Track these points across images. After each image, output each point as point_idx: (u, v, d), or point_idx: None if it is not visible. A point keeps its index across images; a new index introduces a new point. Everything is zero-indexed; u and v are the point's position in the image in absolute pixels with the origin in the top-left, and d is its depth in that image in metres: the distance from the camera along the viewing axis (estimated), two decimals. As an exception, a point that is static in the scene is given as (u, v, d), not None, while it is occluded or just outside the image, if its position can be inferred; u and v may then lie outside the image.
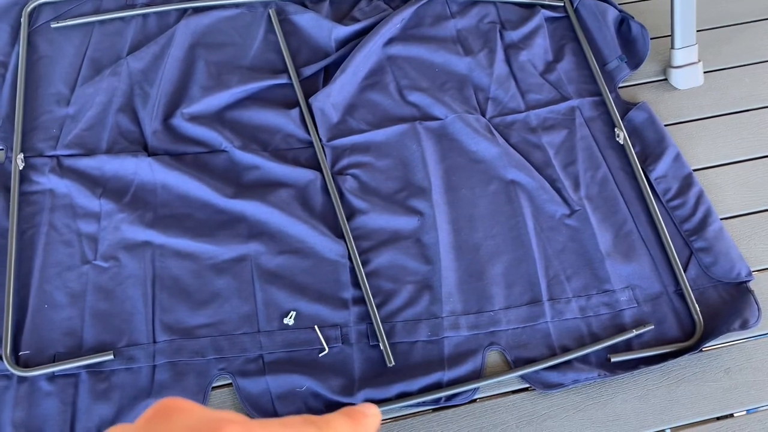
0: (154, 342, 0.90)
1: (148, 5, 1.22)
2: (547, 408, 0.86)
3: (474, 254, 0.97)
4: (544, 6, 1.23)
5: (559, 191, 1.02)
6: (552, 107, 1.12)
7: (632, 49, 1.18)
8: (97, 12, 1.21)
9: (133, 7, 1.22)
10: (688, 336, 0.92)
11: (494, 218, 1.00)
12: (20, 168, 1.02)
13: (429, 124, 1.08)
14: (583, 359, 0.89)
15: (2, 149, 1.07)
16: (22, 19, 1.18)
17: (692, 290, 0.94)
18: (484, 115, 1.10)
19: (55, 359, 0.88)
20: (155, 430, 0.22)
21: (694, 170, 1.06)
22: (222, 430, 0.22)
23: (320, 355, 0.89)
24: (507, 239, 0.99)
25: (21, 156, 1.03)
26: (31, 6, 1.20)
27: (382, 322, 0.91)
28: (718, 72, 1.19)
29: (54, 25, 1.18)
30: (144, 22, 1.20)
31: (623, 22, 1.20)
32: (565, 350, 0.90)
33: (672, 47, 1.15)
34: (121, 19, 1.20)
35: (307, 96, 1.10)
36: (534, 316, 0.93)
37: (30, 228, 0.98)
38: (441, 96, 1.11)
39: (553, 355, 0.90)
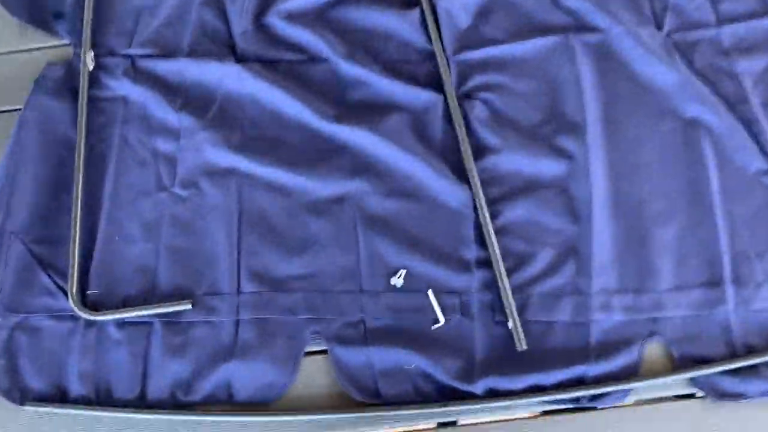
0: (239, 292, 0.79)
1: None
2: (720, 425, 0.72)
3: (636, 214, 0.81)
4: None
5: (755, 137, 0.84)
6: (753, 22, 0.90)
7: None
8: None
9: None
10: None
11: (666, 168, 0.83)
12: (90, 68, 0.90)
13: (586, 37, 0.90)
14: (776, 366, 0.74)
15: (69, 44, 0.94)
16: None
17: None
18: (660, 29, 0.90)
19: (125, 303, 0.79)
20: None
21: None
22: None
23: (434, 327, 0.77)
24: (681, 197, 0.82)
25: (91, 54, 0.91)
26: None
27: (513, 293, 0.77)
28: None
29: None
30: None
31: None
32: (750, 351, 0.75)
33: None
34: None
35: (431, -8, 0.93)
36: (711, 302, 0.77)
37: (100, 142, 0.88)
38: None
39: (734, 355, 0.75)
